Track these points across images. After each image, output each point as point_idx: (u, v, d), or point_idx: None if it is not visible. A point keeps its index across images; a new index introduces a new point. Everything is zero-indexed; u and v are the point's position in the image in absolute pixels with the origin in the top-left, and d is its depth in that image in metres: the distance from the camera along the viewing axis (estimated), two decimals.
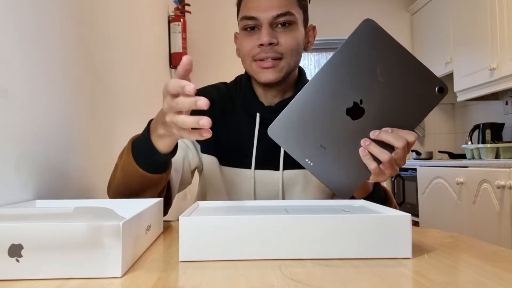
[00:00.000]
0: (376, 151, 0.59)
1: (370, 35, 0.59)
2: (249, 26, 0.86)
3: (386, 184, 0.95)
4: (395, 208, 0.81)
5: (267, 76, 0.85)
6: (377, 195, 0.80)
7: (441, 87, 0.59)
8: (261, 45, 0.84)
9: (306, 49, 0.92)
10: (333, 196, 0.94)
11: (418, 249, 0.52)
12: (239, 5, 0.90)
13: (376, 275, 0.42)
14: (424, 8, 3.59)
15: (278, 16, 0.84)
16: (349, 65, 0.60)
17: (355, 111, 0.60)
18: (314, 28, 0.94)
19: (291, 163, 0.88)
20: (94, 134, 1.00)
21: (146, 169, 0.70)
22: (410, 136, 0.60)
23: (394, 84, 0.59)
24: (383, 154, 0.59)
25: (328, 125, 0.61)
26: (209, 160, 0.91)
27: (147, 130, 0.68)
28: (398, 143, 0.59)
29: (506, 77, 2.54)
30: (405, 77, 0.59)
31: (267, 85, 0.89)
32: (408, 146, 0.60)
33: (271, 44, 0.83)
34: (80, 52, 0.93)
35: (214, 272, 0.43)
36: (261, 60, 0.85)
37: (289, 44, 0.85)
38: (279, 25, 0.85)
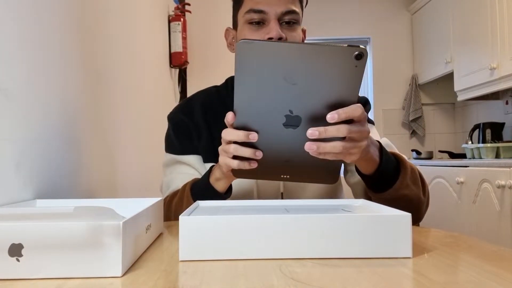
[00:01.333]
0: (327, 148, 0.58)
1: (252, 52, 0.52)
2: (255, 20, 0.85)
3: None
4: (412, 169, 0.77)
5: None
6: (387, 163, 0.74)
7: (357, 54, 0.52)
8: (270, 39, 0.83)
9: None
10: (337, 187, 0.94)
11: (419, 249, 0.52)
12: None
13: (376, 274, 0.42)
14: (424, 7, 3.59)
15: (286, 13, 0.84)
16: (255, 90, 0.55)
17: (292, 121, 0.58)
18: (305, 31, 0.94)
19: None
20: (94, 133, 1.00)
21: None
22: (355, 111, 0.56)
23: (311, 80, 0.54)
24: (333, 148, 0.58)
25: (278, 144, 0.61)
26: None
27: (207, 175, 0.79)
28: (340, 133, 0.57)
29: (506, 77, 2.54)
30: (316, 67, 0.53)
31: None
32: (358, 119, 0.58)
33: (280, 39, 0.83)
34: (80, 51, 0.93)
35: (214, 271, 0.43)
36: None
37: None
38: (284, 23, 0.85)
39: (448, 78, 3.33)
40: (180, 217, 0.48)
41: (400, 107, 3.91)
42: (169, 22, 2.20)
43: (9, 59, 0.64)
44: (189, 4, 2.32)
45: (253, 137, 0.59)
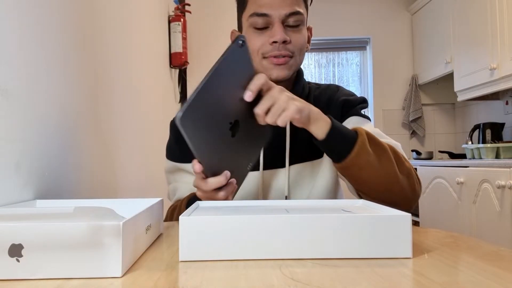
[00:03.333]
0: (275, 114, 0.67)
1: (191, 120, 0.59)
2: (259, 23, 0.85)
3: None
4: (374, 140, 0.75)
5: (279, 72, 0.86)
6: (340, 126, 0.75)
7: (241, 43, 0.62)
8: (274, 42, 0.84)
9: (306, 50, 0.93)
10: (336, 185, 0.95)
11: (418, 249, 0.52)
12: (243, 1, 0.89)
13: (376, 274, 0.42)
14: (424, 8, 3.59)
15: (290, 15, 0.84)
16: (207, 137, 0.62)
17: (235, 127, 0.65)
18: (311, 29, 0.95)
19: (299, 157, 0.89)
20: (94, 133, 1.00)
21: None
22: (259, 79, 0.66)
23: (232, 91, 0.64)
24: (278, 109, 0.67)
25: (236, 151, 0.68)
26: None
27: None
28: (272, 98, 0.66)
29: (506, 77, 2.54)
30: (230, 80, 0.63)
31: (275, 82, 0.90)
32: (267, 87, 0.67)
33: (284, 42, 0.84)
34: (80, 52, 0.93)
35: (214, 272, 0.43)
36: (275, 57, 0.85)
37: (299, 43, 0.86)
38: (289, 25, 0.85)
39: (448, 78, 3.33)
40: (180, 217, 0.48)
41: (400, 107, 3.91)
42: (169, 22, 2.20)
43: (9, 60, 0.64)
44: (189, 5, 2.32)
45: (229, 175, 0.65)
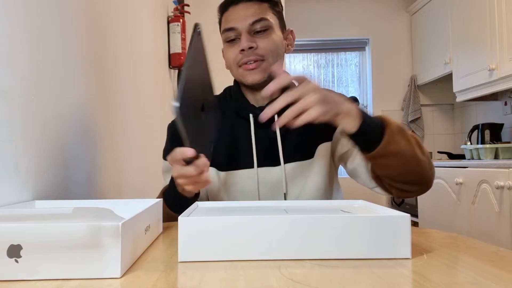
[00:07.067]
0: (288, 116, 0.67)
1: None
2: (230, 37, 0.93)
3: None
4: (399, 127, 0.77)
5: (253, 76, 0.91)
6: (369, 118, 0.76)
7: (198, 30, 0.67)
8: (242, 50, 0.90)
9: (287, 51, 0.98)
10: (329, 185, 0.95)
11: (417, 250, 0.52)
12: (220, 22, 0.98)
13: (375, 275, 0.42)
14: (424, 8, 3.60)
15: (254, 23, 0.90)
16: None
17: (203, 111, 0.72)
18: (291, 31, 1.00)
19: (290, 157, 0.92)
20: (94, 134, 1.00)
21: (176, 211, 0.80)
22: (282, 80, 0.69)
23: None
24: (292, 112, 0.67)
25: None
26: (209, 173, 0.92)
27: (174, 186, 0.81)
28: (282, 102, 0.68)
29: (505, 78, 2.54)
30: (192, 67, 0.67)
31: (255, 87, 0.94)
32: (300, 81, 0.70)
33: (251, 48, 0.90)
34: (79, 52, 0.93)
35: (213, 272, 0.43)
36: (245, 63, 0.91)
37: (268, 47, 0.91)
38: (257, 32, 0.91)
39: (447, 79, 3.33)
40: (179, 218, 0.48)
41: (399, 108, 3.91)
42: (168, 23, 2.20)
43: (9, 60, 0.64)
44: (188, 5, 2.32)
45: (189, 153, 0.68)
